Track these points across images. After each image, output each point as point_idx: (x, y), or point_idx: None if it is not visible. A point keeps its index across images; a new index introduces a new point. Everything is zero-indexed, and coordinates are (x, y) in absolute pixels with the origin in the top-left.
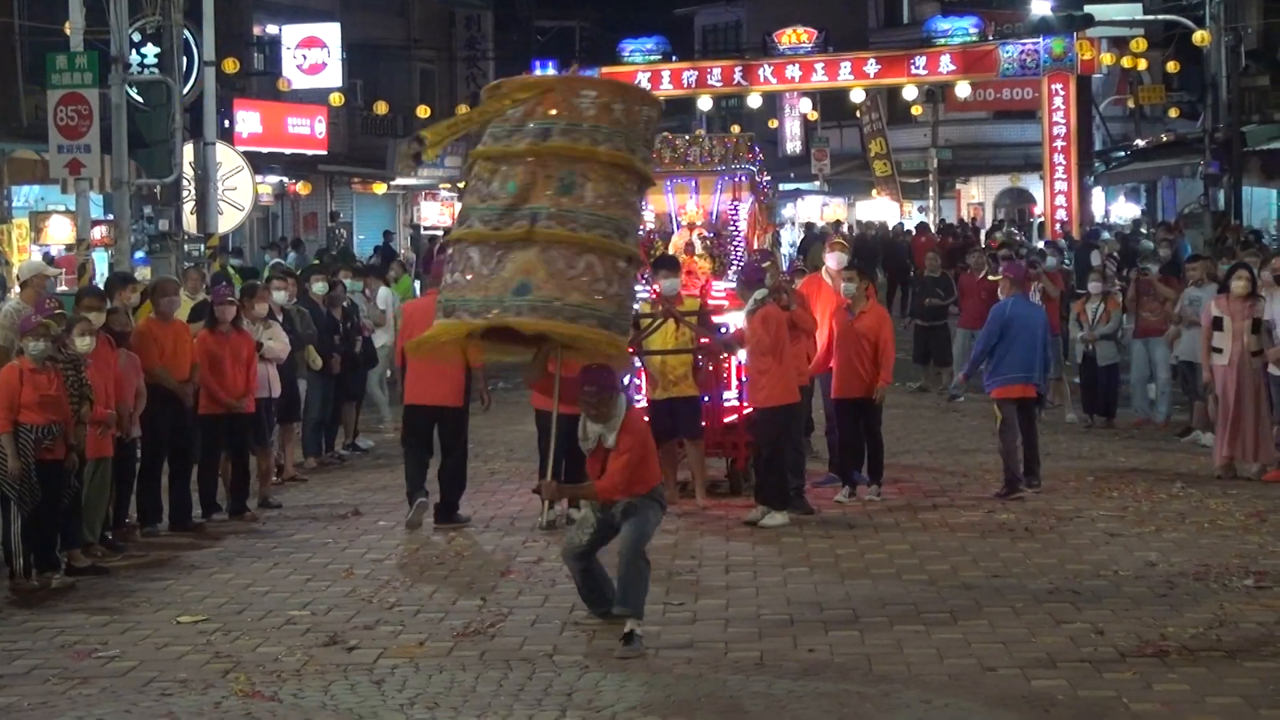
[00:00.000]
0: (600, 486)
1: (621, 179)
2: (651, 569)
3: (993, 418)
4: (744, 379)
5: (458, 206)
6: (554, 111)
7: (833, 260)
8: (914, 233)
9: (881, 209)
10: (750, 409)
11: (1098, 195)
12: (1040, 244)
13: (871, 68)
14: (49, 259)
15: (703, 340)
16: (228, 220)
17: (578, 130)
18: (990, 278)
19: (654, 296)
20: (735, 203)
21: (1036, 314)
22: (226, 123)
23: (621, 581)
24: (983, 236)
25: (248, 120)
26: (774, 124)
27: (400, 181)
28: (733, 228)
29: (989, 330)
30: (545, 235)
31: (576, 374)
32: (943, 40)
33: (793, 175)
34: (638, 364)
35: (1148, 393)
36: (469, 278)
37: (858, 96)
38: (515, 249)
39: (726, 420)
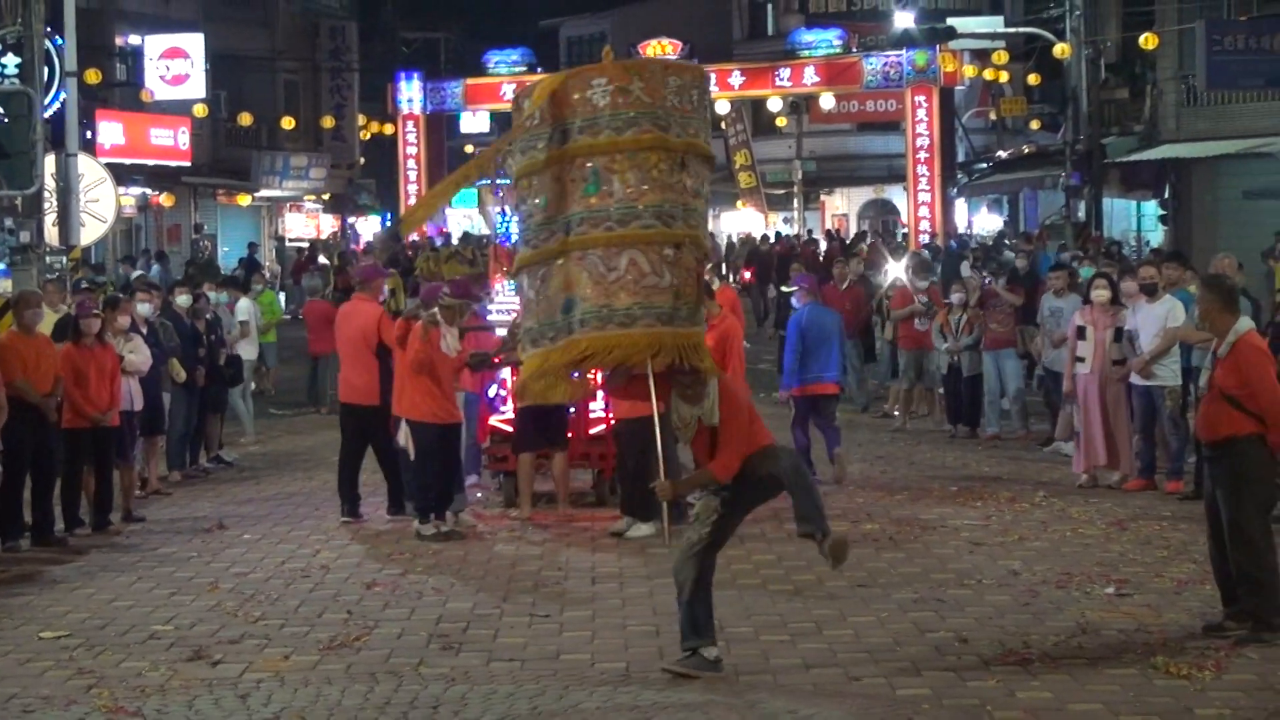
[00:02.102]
0: (716, 467)
1: (653, 160)
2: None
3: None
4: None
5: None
6: (568, 111)
7: None
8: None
9: (747, 220)
10: (616, 420)
11: (961, 206)
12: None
13: (736, 79)
14: None
15: None
16: (90, 232)
17: (596, 124)
18: (856, 288)
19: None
20: None
21: (830, 318)
22: (89, 134)
23: (797, 506)
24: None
25: (110, 131)
26: None
27: (264, 193)
28: None
29: (789, 339)
30: (578, 242)
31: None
32: (807, 52)
33: None
34: (503, 374)
35: (1000, 406)
36: (528, 302)
37: (722, 108)
38: (555, 264)
39: (593, 431)
